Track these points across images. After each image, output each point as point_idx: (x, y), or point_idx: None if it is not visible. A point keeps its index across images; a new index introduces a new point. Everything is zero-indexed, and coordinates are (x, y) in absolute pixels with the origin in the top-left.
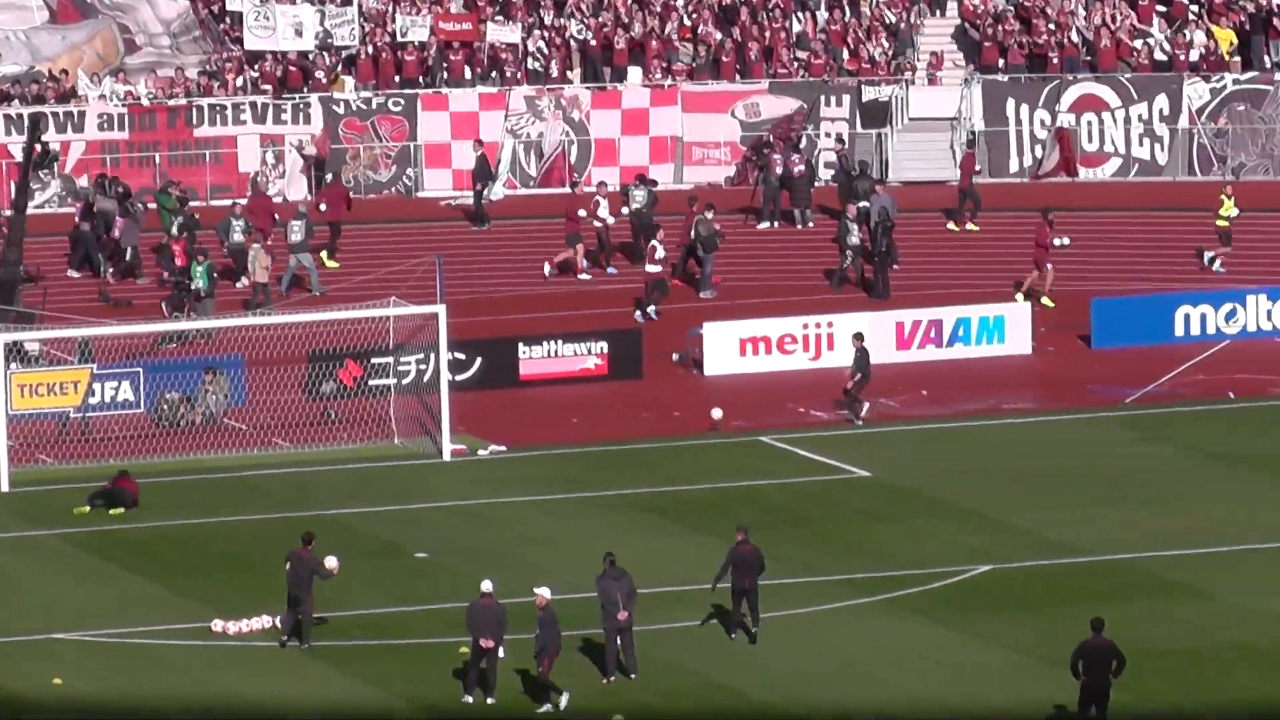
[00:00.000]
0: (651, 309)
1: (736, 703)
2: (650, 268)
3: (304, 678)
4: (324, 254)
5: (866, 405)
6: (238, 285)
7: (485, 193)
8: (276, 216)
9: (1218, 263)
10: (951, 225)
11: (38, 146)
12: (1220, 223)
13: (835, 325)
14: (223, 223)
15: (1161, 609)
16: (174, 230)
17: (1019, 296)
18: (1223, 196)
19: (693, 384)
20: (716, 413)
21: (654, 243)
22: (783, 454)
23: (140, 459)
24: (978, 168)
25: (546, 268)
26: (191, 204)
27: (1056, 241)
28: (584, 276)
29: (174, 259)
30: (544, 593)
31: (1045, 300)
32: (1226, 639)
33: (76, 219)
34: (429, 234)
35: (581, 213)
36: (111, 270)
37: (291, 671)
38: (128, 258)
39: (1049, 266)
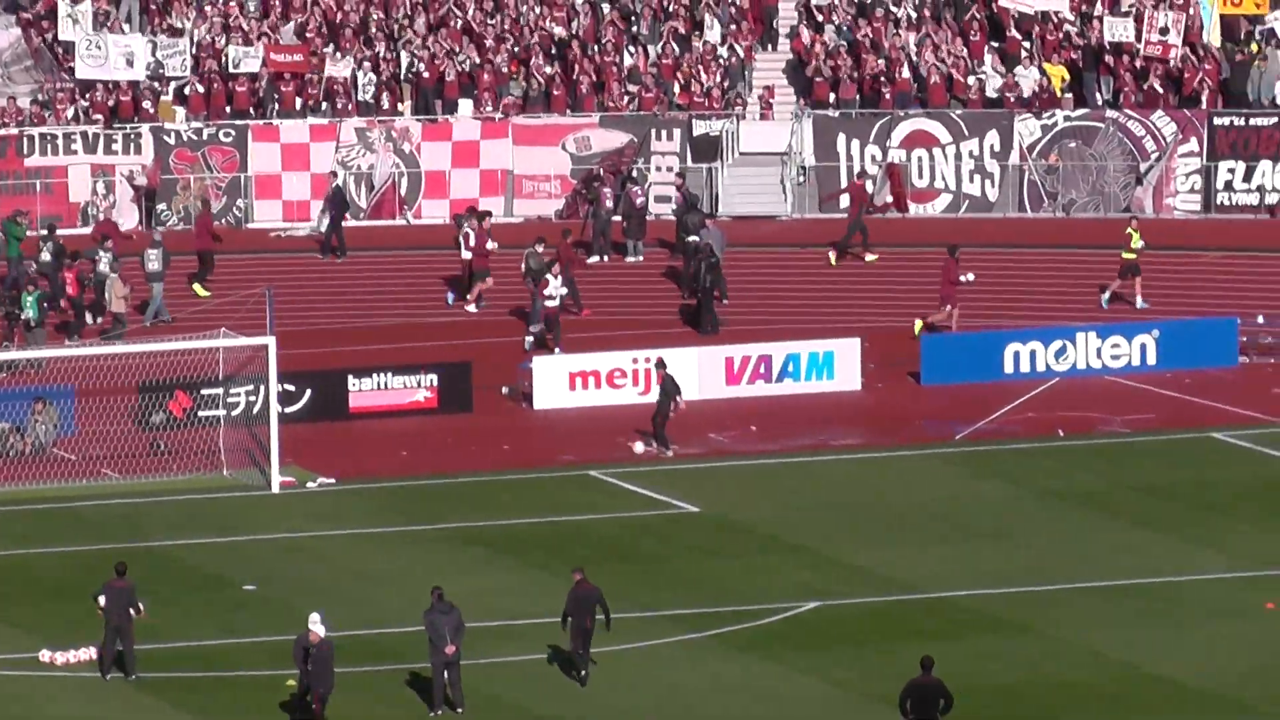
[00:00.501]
0: (537, 337)
1: None
2: (548, 302)
3: (133, 709)
4: (196, 285)
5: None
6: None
7: (319, 226)
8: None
9: (1139, 299)
10: (832, 257)
11: None
12: (1127, 255)
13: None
14: (88, 250)
15: (989, 646)
16: (47, 258)
17: (917, 330)
18: (1129, 230)
19: (522, 418)
20: (638, 447)
21: (548, 276)
22: (612, 489)
23: None
24: (870, 197)
25: (450, 296)
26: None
27: (963, 278)
28: (471, 309)
29: (65, 287)
30: (317, 629)
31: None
32: (1053, 676)
33: None
34: (265, 264)
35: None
36: None
37: (120, 702)
38: None
39: (952, 306)
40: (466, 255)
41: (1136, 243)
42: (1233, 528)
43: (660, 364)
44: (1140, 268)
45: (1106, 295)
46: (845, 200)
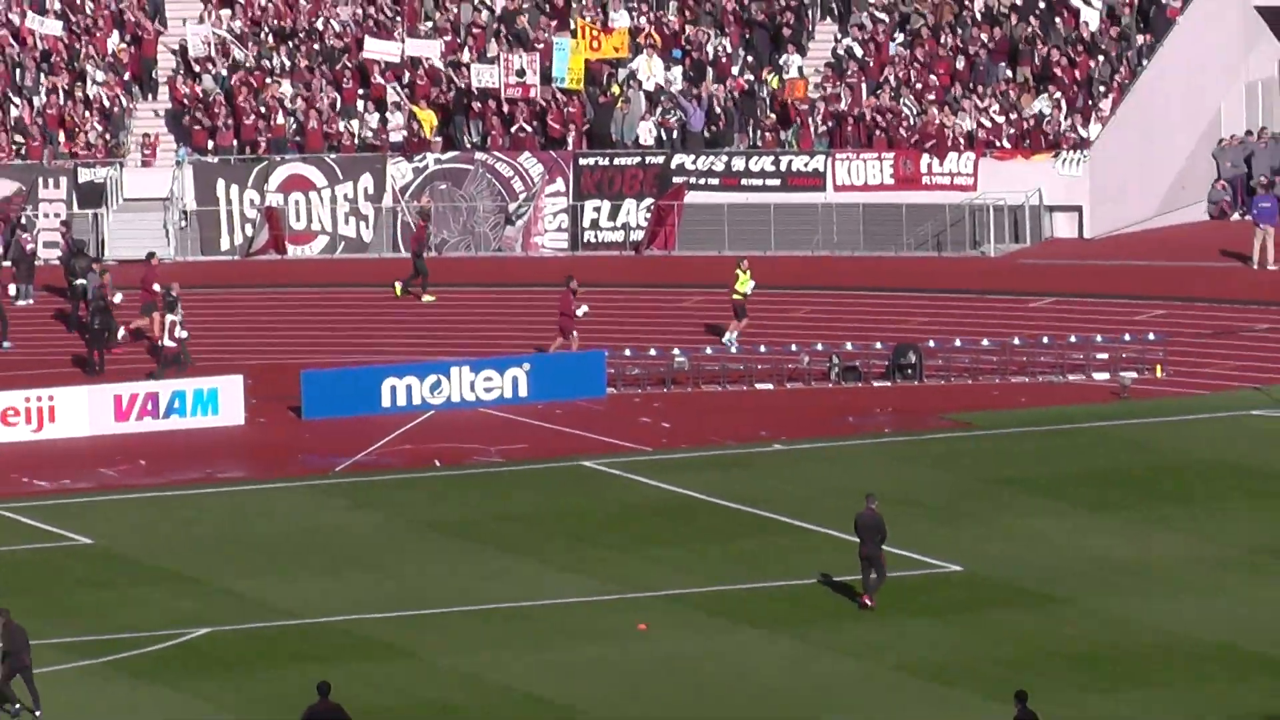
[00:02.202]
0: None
1: None
2: (167, 342)
3: None
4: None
5: None
6: None
7: None
8: None
9: (732, 337)
10: (397, 288)
11: None
12: (735, 296)
13: (56, 398)
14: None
15: (368, 671)
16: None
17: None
18: (738, 271)
19: None
20: None
21: (172, 318)
22: (9, 523)
23: None
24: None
25: (121, 331)
26: None
27: (579, 311)
28: (169, 343)
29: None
30: None
31: None
32: (431, 699)
33: None
34: None
35: (156, 286)
36: None
37: None
38: None
39: (575, 334)
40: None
41: (744, 284)
42: (598, 553)
43: None
44: (747, 309)
45: (730, 335)
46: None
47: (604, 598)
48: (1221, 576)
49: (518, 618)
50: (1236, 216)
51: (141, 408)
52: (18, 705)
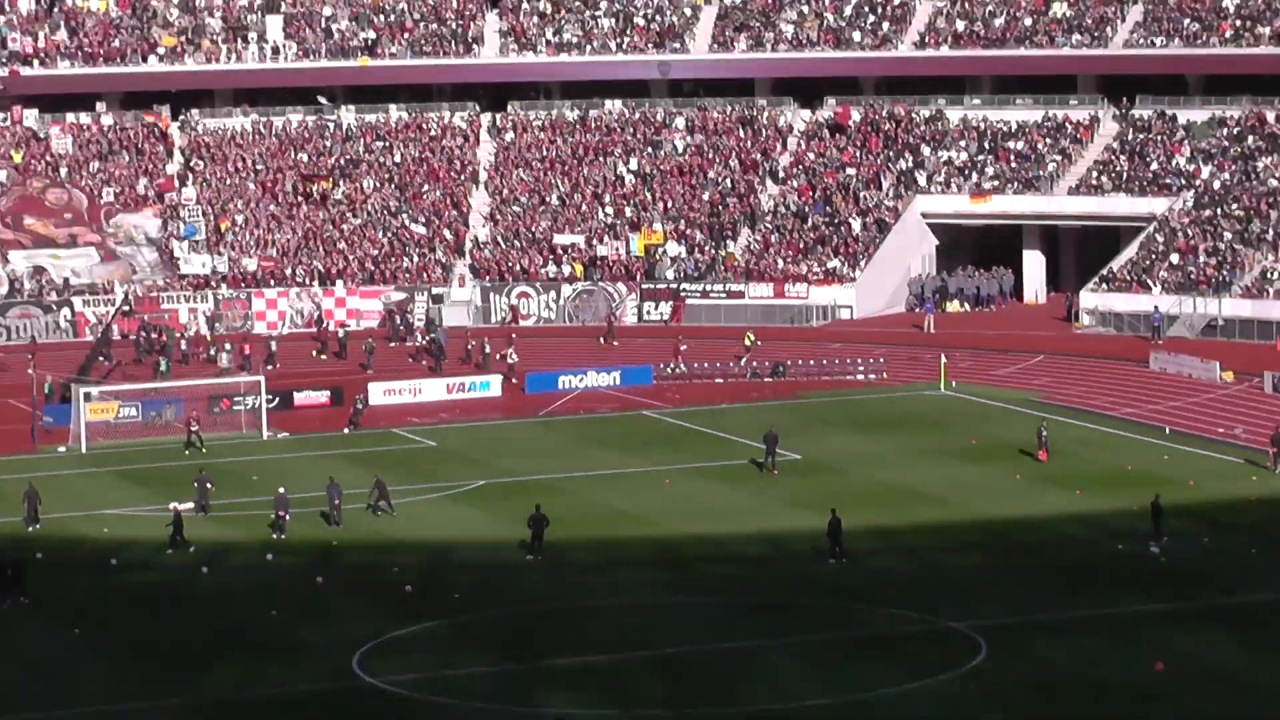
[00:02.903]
0: None
1: None
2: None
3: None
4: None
5: None
6: None
7: None
8: None
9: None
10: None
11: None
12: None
13: (423, 385)
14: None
15: (553, 500)
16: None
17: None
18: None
19: None
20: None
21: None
22: (404, 438)
23: None
24: None
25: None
26: None
27: (682, 347)
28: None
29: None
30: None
31: None
32: (583, 511)
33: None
34: None
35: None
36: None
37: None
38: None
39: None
40: None
41: (748, 340)
42: (645, 453)
43: None
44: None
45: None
46: None
47: (646, 469)
48: None
49: (615, 478)
50: (916, 309)
51: (459, 386)
52: (379, 505)
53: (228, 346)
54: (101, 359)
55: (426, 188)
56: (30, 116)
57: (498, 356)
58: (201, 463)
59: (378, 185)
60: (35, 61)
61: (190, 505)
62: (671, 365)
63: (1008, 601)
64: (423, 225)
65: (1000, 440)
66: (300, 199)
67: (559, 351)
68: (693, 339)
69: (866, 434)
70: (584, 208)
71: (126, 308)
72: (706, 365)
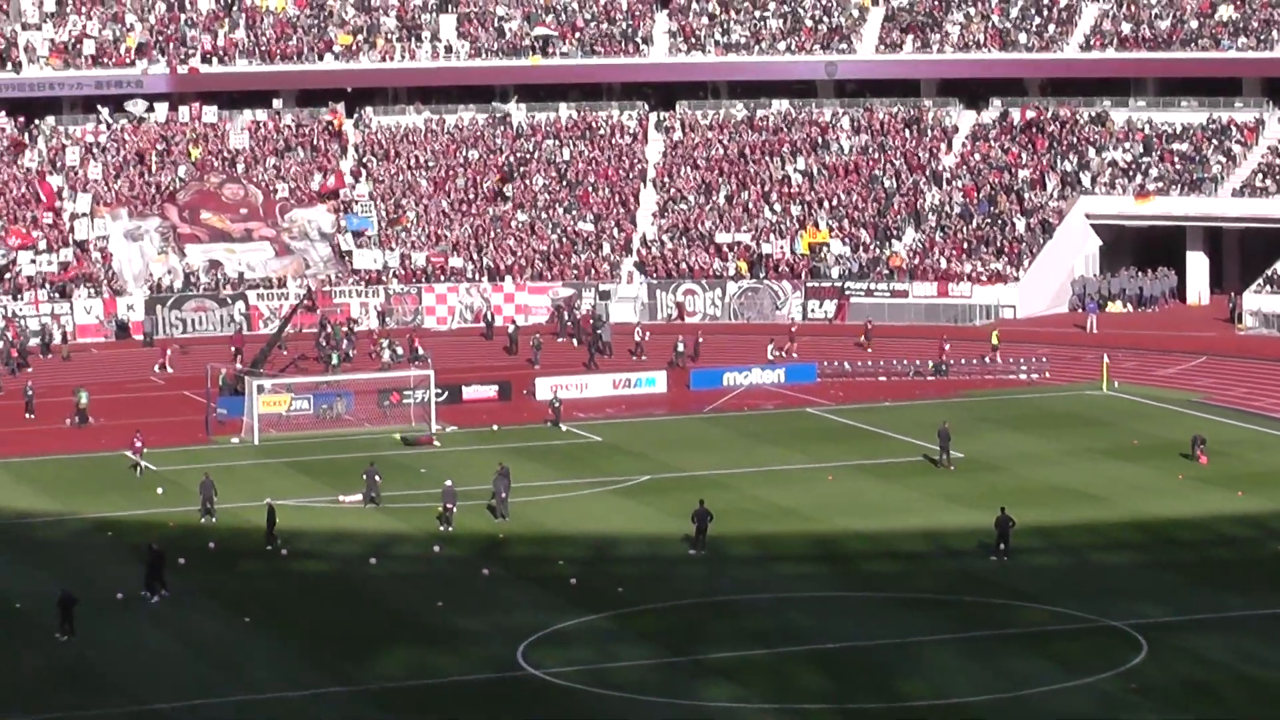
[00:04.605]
0: None
1: None
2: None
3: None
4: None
5: None
6: None
7: None
8: None
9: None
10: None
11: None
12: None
13: (588, 381)
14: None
15: (717, 494)
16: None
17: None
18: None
19: None
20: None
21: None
22: (575, 435)
23: None
24: None
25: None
26: None
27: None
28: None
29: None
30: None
31: None
32: (743, 507)
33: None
34: None
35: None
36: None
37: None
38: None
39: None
40: None
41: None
42: (802, 448)
43: None
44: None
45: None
46: None
47: (808, 466)
48: None
49: (777, 474)
50: (1079, 310)
51: (625, 381)
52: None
53: (395, 343)
54: (280, 350)
55: (595, 185)
56: (209, 113)
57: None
58: (373, 455)
59: (547, 183)
60: (214, 59)
61: (358, 498)
62: (933, 362)
63: (1168, 600)
64: (590, 223)
65: (1162, 440)
66: (472, 196)
67: (724, 348)
68: (854, 337)
69: (1028, 433)
70: (750, 206)
71: (308, 303)
72: (869, 364)
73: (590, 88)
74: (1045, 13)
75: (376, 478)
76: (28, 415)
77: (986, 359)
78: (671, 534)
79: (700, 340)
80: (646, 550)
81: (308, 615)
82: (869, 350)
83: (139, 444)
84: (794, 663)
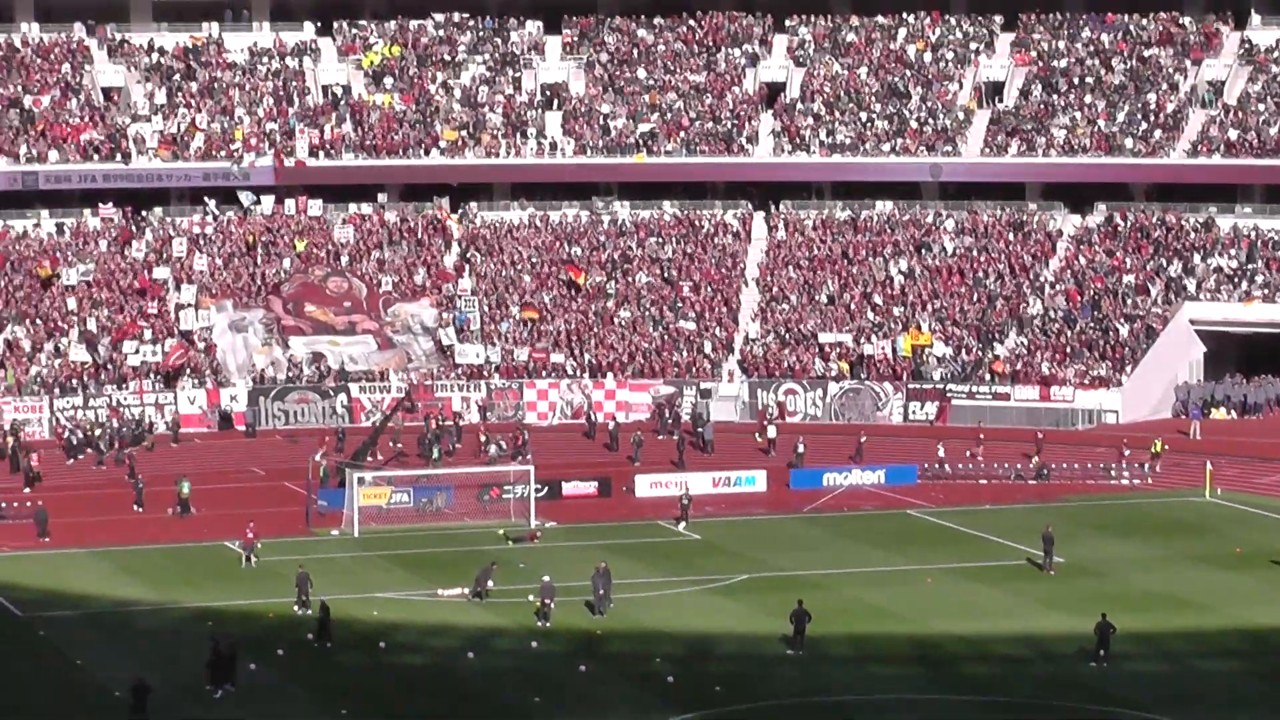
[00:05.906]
0: None
1: None
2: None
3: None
4: None
5: None
6: None
7: None
8: None
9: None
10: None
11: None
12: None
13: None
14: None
15: (810, 593)
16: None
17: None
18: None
19: None
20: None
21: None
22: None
23: None
24: None
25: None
26: None
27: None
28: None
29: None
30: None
31: None
32: (835, 607)
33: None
34: None
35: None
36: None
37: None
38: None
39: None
40: None
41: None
42: (908, 551)
43: None
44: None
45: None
46: None
47: (906, 567)
48: None
49: (876, 575)
50: (1182, 416)
51: (725, 480)
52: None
53: (499, 438)
54: (383, 445)
55: (697, 283)
56: (314, 206)
57: (755, 436)
58: (473, 549)
59: (649, 280)
60: (320, 153)
61: (456, 592)
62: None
63: (1269, 709)
64: (692, 321)
65: (1265, 548)
66: (571, 290)
67: (825, 449)
68: (955, 439)
69: (1128, 538)
70: (852, 306)
71: (408, 403)
72: (969, 466)
73: (694, 185)
74: (1151, 119)
75: (490, 580)
76: (136, 508)
77: (1146, 466)
78: (769, 633)
79: (802, 448)
80: (744, 649)
81: (404, 708)
82: (979, 456)
83: (250, 535)
84: None
